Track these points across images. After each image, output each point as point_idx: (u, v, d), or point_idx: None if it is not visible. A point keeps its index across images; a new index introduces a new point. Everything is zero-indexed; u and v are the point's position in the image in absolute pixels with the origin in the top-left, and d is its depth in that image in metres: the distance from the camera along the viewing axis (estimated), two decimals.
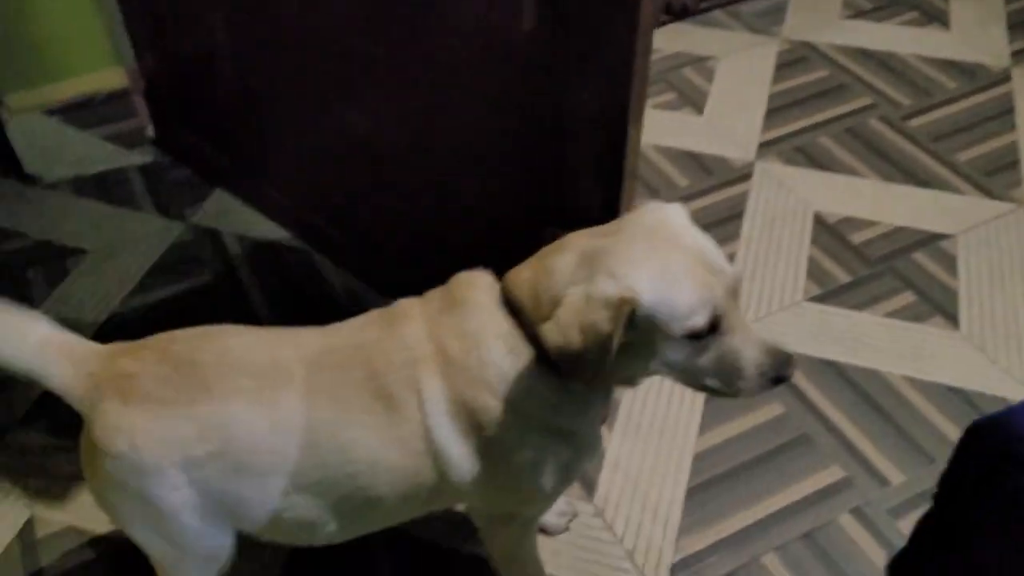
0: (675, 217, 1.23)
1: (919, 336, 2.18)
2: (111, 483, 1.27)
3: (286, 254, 2.38)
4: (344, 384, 1.25)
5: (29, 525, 1.82)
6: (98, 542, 1.79)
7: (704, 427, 1.99)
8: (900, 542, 1.77)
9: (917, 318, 2.21)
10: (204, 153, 2.53)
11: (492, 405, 1.24)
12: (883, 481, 1.89)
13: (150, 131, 2.64)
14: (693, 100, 2.87)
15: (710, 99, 2.87)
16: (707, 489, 1.89)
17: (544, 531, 1.78)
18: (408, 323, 1.28)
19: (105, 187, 2.56)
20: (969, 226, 2.45)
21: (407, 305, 1.32)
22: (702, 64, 3.01)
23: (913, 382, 2.08)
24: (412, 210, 2.02)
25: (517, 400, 1.24)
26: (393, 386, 1.24)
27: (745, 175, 2.60)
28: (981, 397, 2.04)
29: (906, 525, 1.81)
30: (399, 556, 1.78)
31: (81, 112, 2.51)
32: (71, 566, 1.76)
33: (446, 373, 1.24)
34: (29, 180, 2.54)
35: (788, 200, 2.52)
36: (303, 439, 1.24)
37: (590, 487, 1.88)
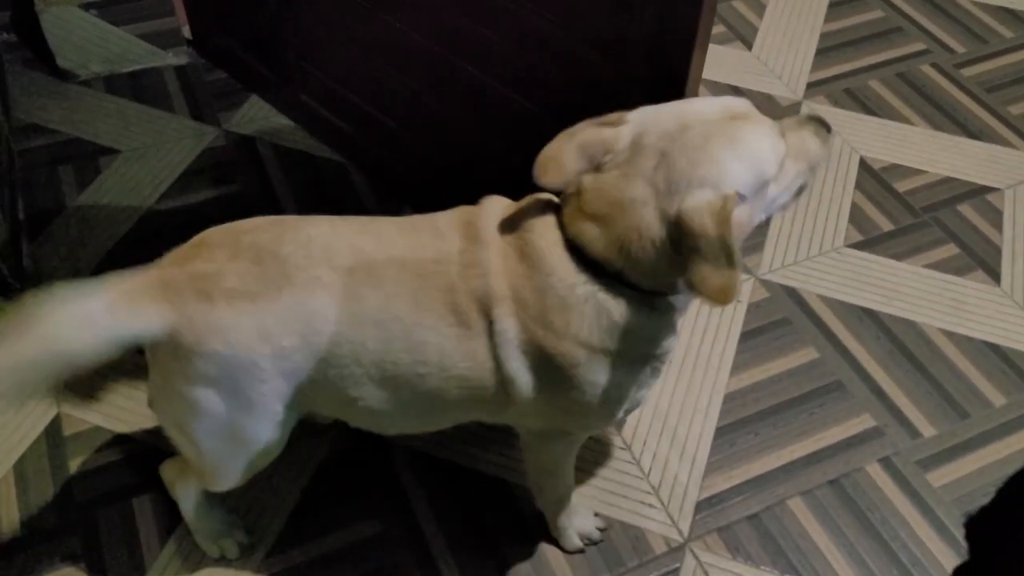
0: (685, 103, 1.28)
1: (959, 289, 2.14)
2: (204, 380, 1.26)
3: (321, 165, 2.34)
4: (421, 289, 1.25)
5: (56, 422, 1.82)
6: (123, 442, 1.80)
7: (736, 367, 1.97)
8: (927, 494, 1.77)
9: (958, 271, 2.17)
10: (241, 58, 2.47)
11: (579, 353, 1.25)
12: (914, 433, 1.88)
13: (186, 32, 2.58)
14: (742, 34, 2.79)
15: (760, 34, 2.79)
16: (736, 430, 1.87)
17: None
18: (487, 251, 1.26)
19: (139, 87, 2.51)
20: (1018, 181, 2.39)
21: (484, 223, 1.29)
22: None
23: (950, 335, 2.05)
24: (451, 124, 1.98)
25: (611, 347, 1.25)
26: (467, 307, 1.24)
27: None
28: (1019, 355, 2.01)
29: (935, 478, 1.80)
30: (423, 474, 1.78)
31: (117, 8, 2.45)
32: (97, 465, 1.77)
33: (523, 320, 1.24)
34: (62, 75, 2.49)
35: (834, 143, 2.46)
36: (381, 334, 1.25)
37: (619, 421, 1.87)
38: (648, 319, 1.26)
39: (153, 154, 2.33)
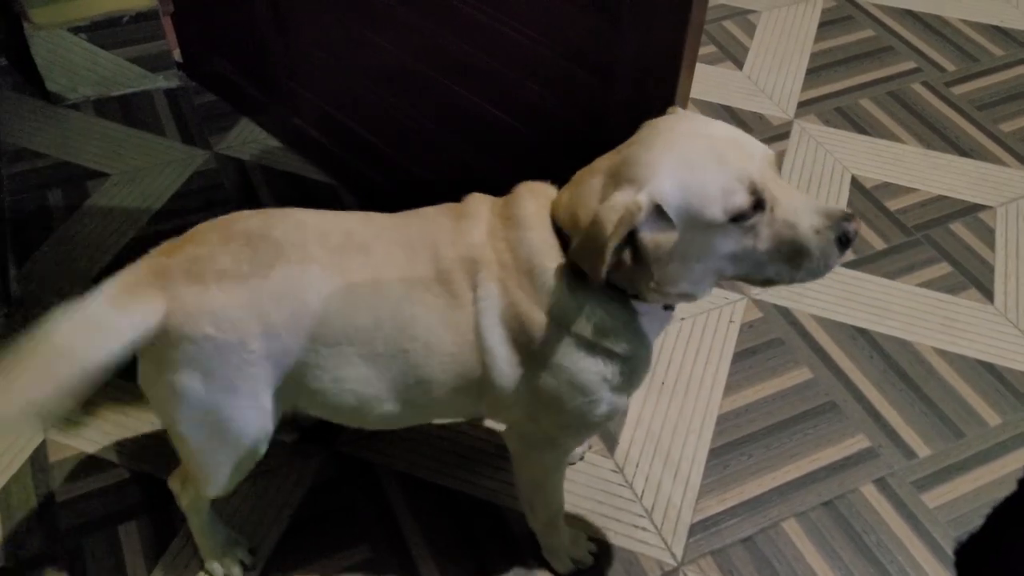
0: (692, 115, 1.24)
1: (952, 308, 2.13)
2: (190, 367, 1.24)
3: (312, 188, 2.33)
4: (412, 263, 1.27)
5: (42, 449, 1.80)
6: (110, 468, 1.78)
7: (730, 388, 1.95)
8: (923, 515, 1.76)
9: (951, 290, 2.17)
10: (231, 80, 2.47)
11: (543, 322, 1.25)
12: (909, 453, 1.86)
13: (177, 54, 2.58)
14: (733, 54, 2.80)
15: (750, 54, 2.80)
16: (729, 451, 1.86)
17: None
18: (475, 224, 1.29)
19: (129, 110, 2.50)
20: (1010, 198, 2.39)
21: (477, 203, 1.33)
22: (743, 17, 2.93)
23: (944, 354, 2.03)
24: (441, 144, 1.98)
25: (568, 320, 1.25)
26: (454, 275, 1.26)
27: (783, 134, 2.53)
28: (1013, 374, 2.00)
29: (931, 498, 1.78)
30: (413, 499, 1.76)
31: (107, 31, 2.45)
32: (83, 492, 1.75)
33: (503, 283, 1.26)
34: (51, 99, 2.49)
35: (826, 162, 2.45)
36: (371, 312, 1.26)
37: (611, 442, 1.86)
38: (605, 309, 1.25)
39: (142, 178, 2.32)
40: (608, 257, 1.14)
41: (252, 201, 2.28)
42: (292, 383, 1.31)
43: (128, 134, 2.44)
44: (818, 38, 2.86)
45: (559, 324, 1.25)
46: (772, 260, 1.17)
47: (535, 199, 1.29)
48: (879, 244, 2.25)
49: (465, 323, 1.27)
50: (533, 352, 1.28)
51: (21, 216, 2.23)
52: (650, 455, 1.84)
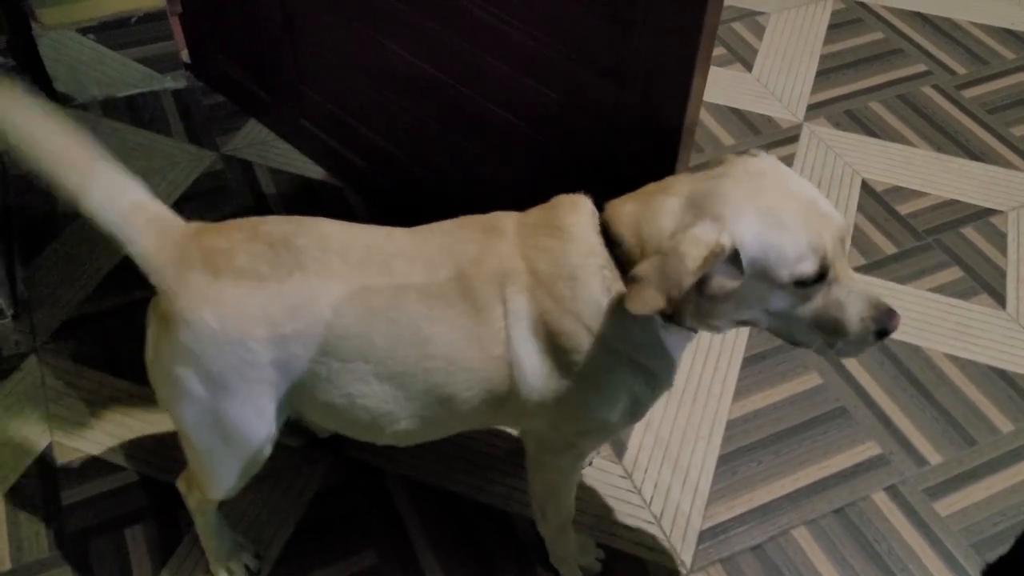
0: (780, 164, 1.23)
1: (964, 313, 2.11)
2: (185, 355, 1.24)
3: (319, 190, 2.32)
4: (433, 280, 1.26)
5: (49, 451, 1.80)
6: (116, 471, 1.77)
7: (739, 393, 1.94)
8: (935, 524, 1.74)
9: (963, 295, 2.15)
10: (239, 81, 2.46)
11: (578, 333, 1.24)
12: (920, 460, 1.85)
13: (185, 55, 2.57)
14: (742, 56, 2.78)
15: (760, 56, 2.78)
16: (739, 457, 1.84)
17: None
18: (501, 238, 1.28)
19: (136, 111, 2.50)
20: (1021, 203, 2.37)
21: (502, 219, 1.32)
22: (753, 19, 2.91)
23: (955, 360, 2.02)
24: (449, 147, 1.96)
25: (604, 333, 1.24)
26: (480, 290, 1.25)
27: (792, 137, 2.52)
28: None
29: (943, 507, 1.77)
30: (421, 504, 1.75)
31: (115, 32, 2.44)
32: (89, 495, 1.74)
33: (534, 292, 1.24)
34: (60, 99, 2.48)
35: (835, 165, 2.44)
36: (390, 328, 1.25)
37: (620, 448, 1.84)
38: (641, 325, 1.25)
39: (149, 179, 2.26)
40: (684, 290, 1.13)
41: (259, 202, 2.27)
42: (300, 394, 1.30)
43: (136, 135, 2.43)
44: (827, 40, 2.84)
45: (595, 335, 1.24)
46: (811, 328, 1.20)
47: (577, 210, 1.27)
48: (889, 248, 2.24)
49: (492, 337, 1.26)
50: (565, 362, 1.26)
51: (28, 218, 2.22)
52: (659, 461, 1.83)
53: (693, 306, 1.21)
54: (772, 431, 1.89)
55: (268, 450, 1.38)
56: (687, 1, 1.33)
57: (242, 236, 1.26)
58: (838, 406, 1.93)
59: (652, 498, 1.77)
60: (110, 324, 2.00)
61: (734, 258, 1.15)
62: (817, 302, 1.18)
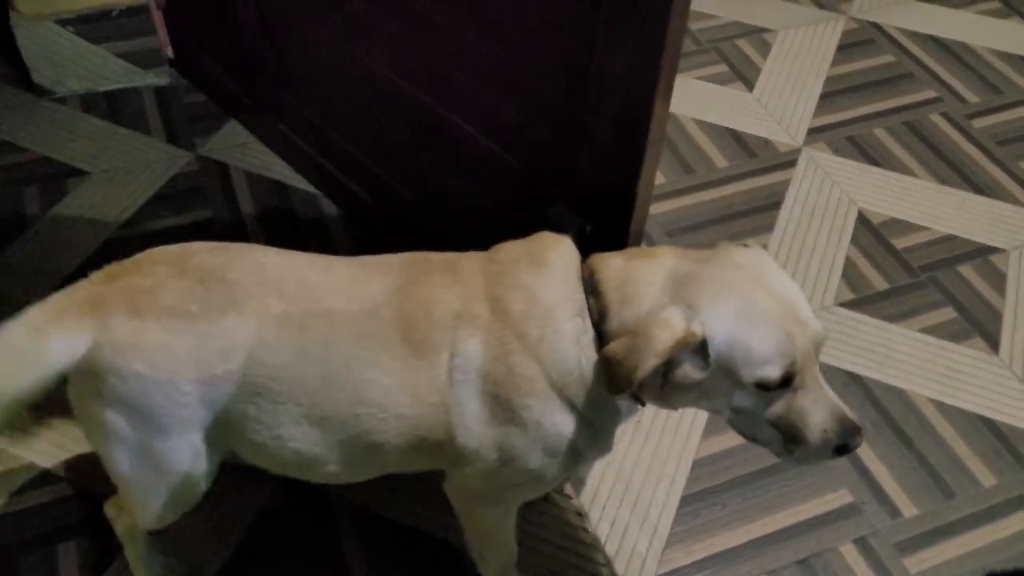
0: (767, 260, 1.20)
1: (954, 357, 2.02)
2: (113, 400, 1.19)
3: (293, 195, 2.26)
4: (372, 322, 1.21)
5: None
6: (52, 483, 1.71)
7: (709, 431, 1.86)
8: None
9: (955, 337, 2.05)
10: (222, 82, 2.40)
11: (535, 379, 1.19)
12: (894, 512, 1.75)
13: (168, 52, 2.52)
14: (744, 74, 2.69)
15: (762, 75, 2.69)
16: (704, 499, 1.76)
17: None
18: (460, 280, 1.23)
19: (115, 106, 2.44)
20: None
21: (463, 260, 1.27)
22: (759, 36, 2.82)
23: (941, 407, 1.92)
24: (420, 160, 1.91)
25: (561, 379, 1.20)
26: (424, 334, 1.20)
27: (789, 162, 2.43)
28: (1013, 431, 1.88)
29: (913, 563, 1.68)
30: (365, 532, 1.68)
31: (96, 24, 2.39)
32: (21, 507, 1.68)
33: (493, 335, 1.19)
34: (37, 92, 2.43)
35: (832, 193, 2.35)
36: (323, 371, 1.20)
37: (578, 483, 1.76)
38: (599, 380, 1.19)
39: (122, 177, 2.26)
40: (648, 372, 1.10)
41: (232, 205, 2.21)
42: (231, 432, 1.25)
43: (112, 131, 2.37)
44: (835, 61, 2.75)
45: (552, 382, 1.20)
46: (767, 430, 1.17)
47: (560, 247, 1.24)
48: (881, 284, 2.14)
49: (429, 383, 1.21)
50: (513, 407, 1.21)
51: None
52: (619, 497, 1.75)
53: (656, 389, 1.17)
54: (740, 472, 1.80)
55: (204, 486, 1.33)
56: (650, 14, 1.26)
57: (168, 272, 1.20)
58: None
59: (608, 537, 1.70)
60: None
61: (702, 349, 1.11)
62: (780, 407, 1.14)
